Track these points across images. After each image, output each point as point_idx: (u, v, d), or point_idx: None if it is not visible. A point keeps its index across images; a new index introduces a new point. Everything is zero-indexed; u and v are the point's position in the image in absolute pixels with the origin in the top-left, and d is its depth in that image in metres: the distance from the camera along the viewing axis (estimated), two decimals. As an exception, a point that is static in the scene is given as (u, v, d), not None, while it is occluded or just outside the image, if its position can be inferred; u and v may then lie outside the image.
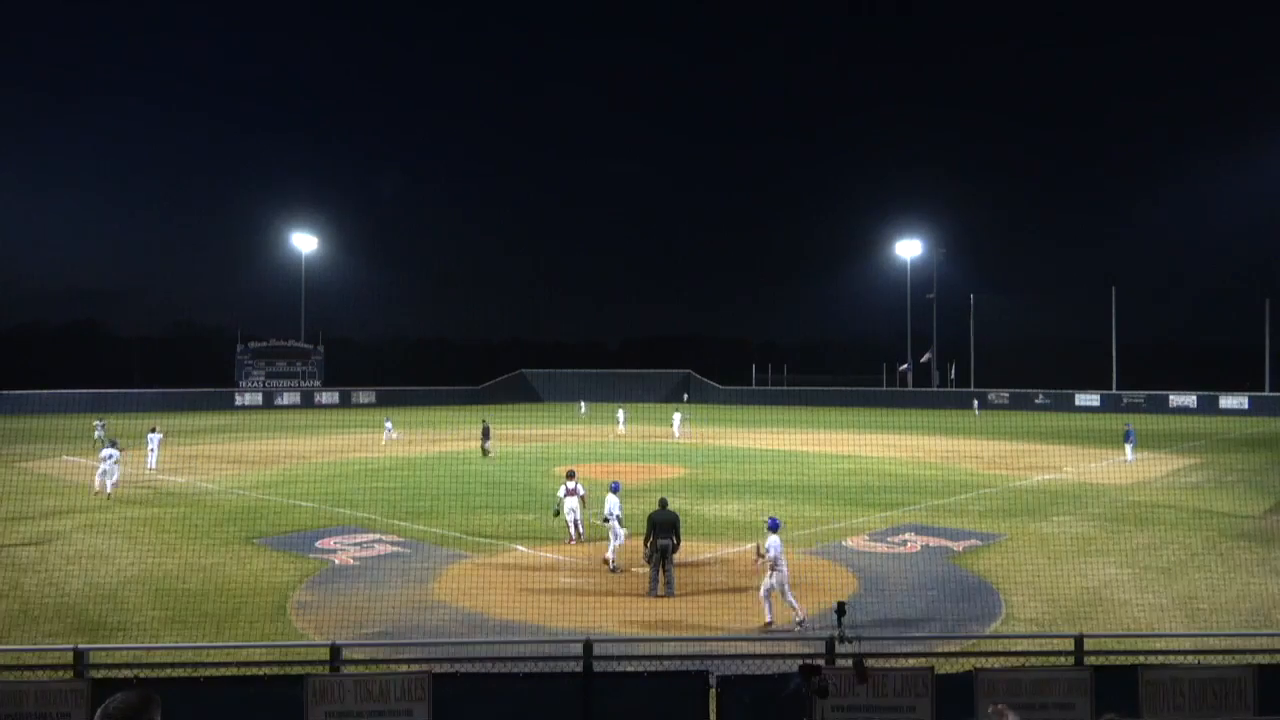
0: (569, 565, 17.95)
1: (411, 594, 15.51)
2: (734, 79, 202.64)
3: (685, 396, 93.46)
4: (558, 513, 19.74)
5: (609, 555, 17.50)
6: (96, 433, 39.15)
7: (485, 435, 38.69)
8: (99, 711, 3.49)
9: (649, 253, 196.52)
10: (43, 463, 33.76)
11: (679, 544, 15.57)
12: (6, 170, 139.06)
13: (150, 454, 32.16)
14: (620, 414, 55.10)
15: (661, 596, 15.19)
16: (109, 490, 25.78)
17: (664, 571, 15.34)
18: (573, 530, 19.57)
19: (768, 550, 13.45)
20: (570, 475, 19.78)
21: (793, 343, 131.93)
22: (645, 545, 15.56)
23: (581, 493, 19.62)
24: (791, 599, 13.49)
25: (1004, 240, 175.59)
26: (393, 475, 31.78)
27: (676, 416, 52.07)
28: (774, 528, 14.04)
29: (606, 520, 17.69)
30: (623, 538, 17.62)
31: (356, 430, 53.01)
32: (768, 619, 13.52)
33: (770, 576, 13.49)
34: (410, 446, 42.06)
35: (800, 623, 13.32)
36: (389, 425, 45.69)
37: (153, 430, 33.19)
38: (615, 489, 18.24)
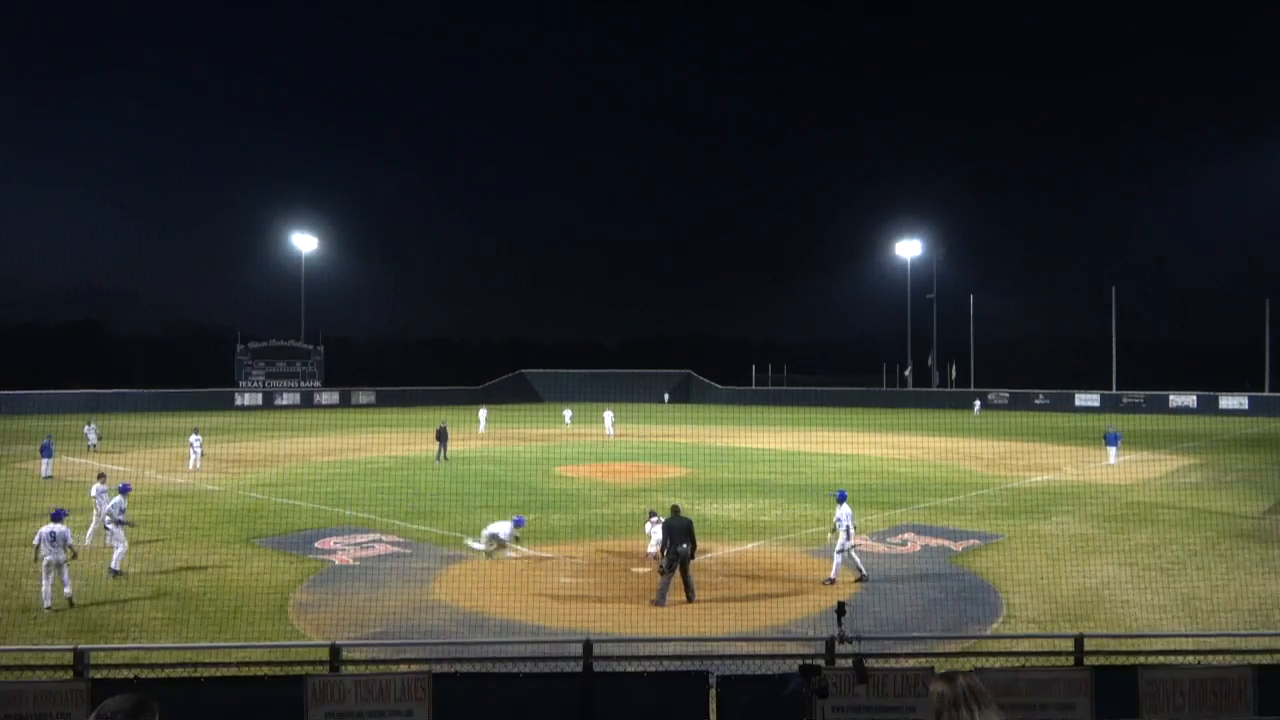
0: (569, 565, 17.94)
1: (411, 594, 15.51)
2: (734, 80, 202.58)
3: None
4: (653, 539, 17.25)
5: (835, 574, 16.37)
6: (90, 439, 38.92)
7: (442, 438, 36.13)
8: (94, 715, 3.46)
9: (649, 253, 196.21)
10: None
11: (695, 551, 15.23)
12: (6, 170, 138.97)
13: (194, 454, 33.34)
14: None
15: (664, 603, 14.84)
16: (116, 565, 16.87)
17: (684, 578, 15.08)
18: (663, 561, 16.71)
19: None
20: (651, 514, 18.02)
21: (793, 343, 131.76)
22: (661, 554, 15.28)
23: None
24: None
25: (1004, 240, 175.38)
26: (393, 475, 31.78)
27: (608, 415, 50.72)
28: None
29: (834, 530, 16.51)
30: (849, 549, 16.47)
31: (356, 430, 52.98)
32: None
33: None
34: (409, 446, 42.03)
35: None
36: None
37: (195, 432, 34.46)
38: (842, 498, 16.74)
